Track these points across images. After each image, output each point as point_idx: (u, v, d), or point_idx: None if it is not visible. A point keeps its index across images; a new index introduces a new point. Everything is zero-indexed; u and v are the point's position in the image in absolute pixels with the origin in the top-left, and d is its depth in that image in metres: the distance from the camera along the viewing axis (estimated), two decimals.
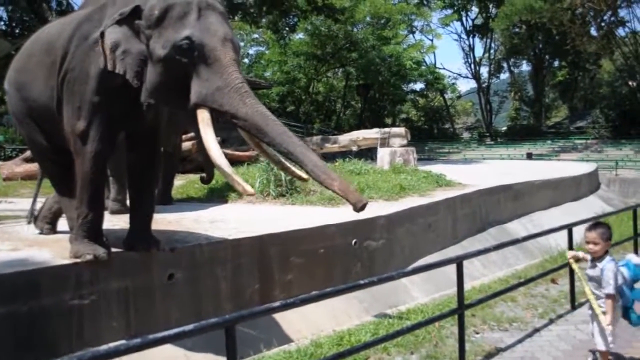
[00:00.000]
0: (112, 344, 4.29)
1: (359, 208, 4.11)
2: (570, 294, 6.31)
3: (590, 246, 4.38)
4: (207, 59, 4.14)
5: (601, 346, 4.43)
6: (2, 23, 29.07)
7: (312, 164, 4.06)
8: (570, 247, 6.52)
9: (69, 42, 4.67)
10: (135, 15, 4.30)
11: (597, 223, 4.55)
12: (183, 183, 10.49)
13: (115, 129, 4.72)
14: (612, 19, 39.68)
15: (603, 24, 39.92)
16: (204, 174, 8.10)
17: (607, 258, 4.34)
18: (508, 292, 6.05)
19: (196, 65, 4.16)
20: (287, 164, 4.44)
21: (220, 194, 9.46)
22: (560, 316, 6.03)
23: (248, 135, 4.31)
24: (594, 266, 4.41)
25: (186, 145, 11.19)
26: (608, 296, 4.23)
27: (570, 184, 15.41)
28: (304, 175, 4.37)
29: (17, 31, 27.84)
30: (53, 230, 6.01)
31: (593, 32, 40.49)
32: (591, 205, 15.06)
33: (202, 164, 9.33)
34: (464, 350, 4.68)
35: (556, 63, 50.44)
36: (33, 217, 6.21)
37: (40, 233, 5.95)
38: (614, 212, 9.82)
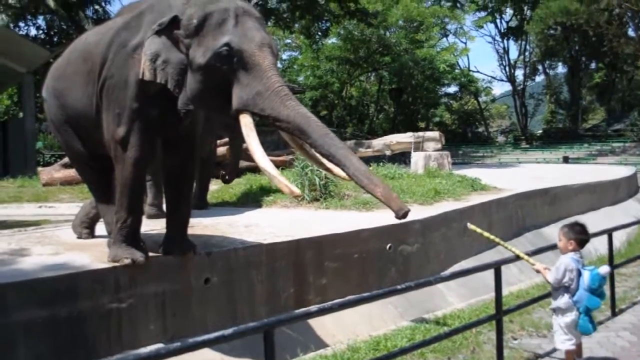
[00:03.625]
0: (152, 347, 4.37)
1: (401, 215, 4.03)
2: (611, 299, 6.18)
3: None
4: (246, 64, 4.16)
5: (558, 344, 4.57)
6: (41, 32, 29.88)
7: (354, 167, 4.01)
8: (610, 252, 6.41)
9: (107, 49, 4.73)
10: (174, 25, 4.35)
11: (572, 223, 4.72)
12: (218, 188, 10.55)
13: (154, 134, 4.76)
14: None
15: None
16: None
17: (569, 255, 4.49)
18: (546, 297, 5.95)
19: (236, 71, 4.18)
20: (329, 165, 4.41)
21: (254, 199, 9.49)
22: (600, 323, 5.89)
23: (290, 137, 4.34)
24: None
25: (221, 150, 11.28)
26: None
27: (608, 188, 15.11)
28: (347, 176, 4.33)
29: (55, 39, 28.59)
30: (91, 234, 6.10)
31: (631, 32, 39.83)
32: (630, 210, 14.75)
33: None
34: (502, 357, 4.62)
35: (593, 65, 49.79)
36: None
37: (79, 238, 6.04)
38: None
